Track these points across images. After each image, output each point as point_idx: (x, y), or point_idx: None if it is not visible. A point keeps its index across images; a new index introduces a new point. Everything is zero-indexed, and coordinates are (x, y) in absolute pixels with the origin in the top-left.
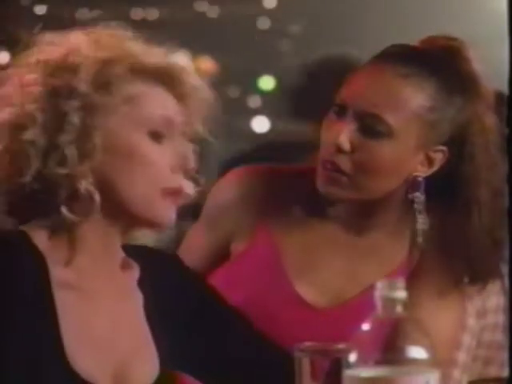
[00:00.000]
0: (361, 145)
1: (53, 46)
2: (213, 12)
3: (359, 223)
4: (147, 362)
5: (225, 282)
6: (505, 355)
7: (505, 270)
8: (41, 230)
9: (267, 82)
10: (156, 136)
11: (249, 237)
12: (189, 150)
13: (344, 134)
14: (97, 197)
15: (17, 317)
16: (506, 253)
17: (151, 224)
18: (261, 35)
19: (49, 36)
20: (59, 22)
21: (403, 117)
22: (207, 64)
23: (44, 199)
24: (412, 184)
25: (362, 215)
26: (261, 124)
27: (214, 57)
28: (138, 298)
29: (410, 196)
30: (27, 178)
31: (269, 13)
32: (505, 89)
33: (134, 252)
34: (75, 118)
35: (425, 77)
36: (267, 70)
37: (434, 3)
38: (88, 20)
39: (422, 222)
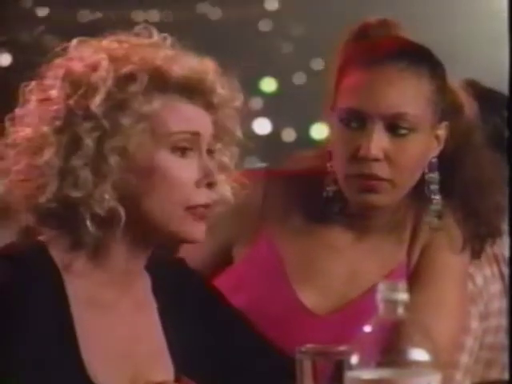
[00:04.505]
0: (391, 148)
1: (74, 60)
2: (215, 14)
3: (362, 225)
4: (163, 371)
5: (226, 287)
6: (506, 358)
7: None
8: (60, 242)
9: (269, 84)
10: (180, 151)
11: (250, 242)
12: (213, 163)
13: (374, 144)
14: (122, 213)
15: (34, 328)
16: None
17: (180, 239)
18: (262, 37)
19: (74, 46)
20: (61, 24)
21: (421, 106)
22: (210, 65)
23: (65, 216)
24: (428, 166)
25: (367, 217)
26: (262, 126)
27: (216, 58)
28: (153, 306)
29: (426, 177)
30: (44, 199)
31: (271, 15)
32: (505, 89)
33: None
34: (88, 141)
35: (416, 62)
36: (269, 72)
37: (435, 4)
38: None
39: (436, 202)
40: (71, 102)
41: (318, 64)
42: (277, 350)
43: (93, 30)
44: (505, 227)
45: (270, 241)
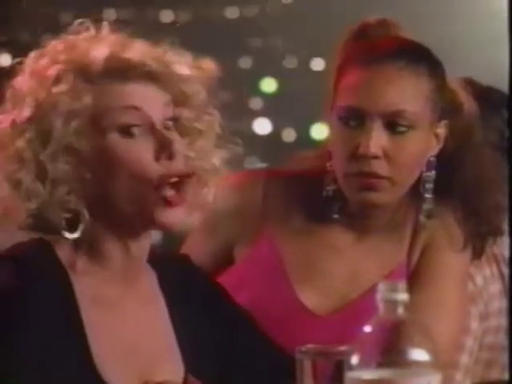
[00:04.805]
0: (390, 145)
1: (22, 71)
2: (214, 14)
3: (362, 225)
4: (171, 366)
5: (228, 287)
6: (506, 358)
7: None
8: (65, 242)
9: (269, 84)
10: (127, 130)
11: (251, 242)
12: (172, 136)
13: (373, 141)
14: (84, 212)
15: (43, 327)
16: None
17: (155, 225)
18: (262, 37)
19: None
20: (61, 24)
21: (420, 104)
22: (209, 66)
23: (46, 223)
24: (426, 164)
25: (367, 216)
26: (262, 126)
27: (216, 59)
28: (160, 302)
29: (423, 176)
30: (21, 215)
31: (271, 15)
32: (505, 89)
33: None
34: (29, 152)
35: (415, 61)
36: (269, 72)
37: (435, 3)
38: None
39: (429, 201)
40: (12, 115)
41: (318, 64)
42: (278, 349)
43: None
44: (505, 226)
45: (270, 241)
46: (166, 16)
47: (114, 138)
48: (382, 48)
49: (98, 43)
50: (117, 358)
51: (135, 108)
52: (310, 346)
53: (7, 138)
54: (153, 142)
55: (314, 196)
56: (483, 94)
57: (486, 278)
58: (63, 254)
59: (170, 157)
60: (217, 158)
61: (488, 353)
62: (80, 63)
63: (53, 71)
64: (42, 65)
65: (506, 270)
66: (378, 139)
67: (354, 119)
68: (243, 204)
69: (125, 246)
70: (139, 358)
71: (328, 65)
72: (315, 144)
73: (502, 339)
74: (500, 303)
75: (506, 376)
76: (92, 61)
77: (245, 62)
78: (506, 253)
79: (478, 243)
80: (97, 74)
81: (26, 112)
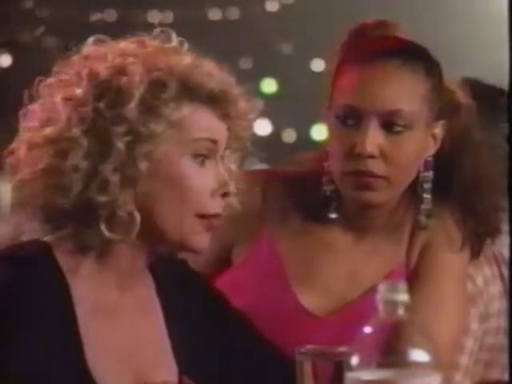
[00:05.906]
0: (387, 145)
1: (95, 60)
2: (215, 14)
3: (361, 226)
4: (167, 372)
5: (226, 288)
6: (506, 358)
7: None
8: (65, 244)
9: (269, 85)
10: (200, 159)
11: (250, 243)
12: (228, 173)
13: (369, 140)
14: (138, 219)
15: (38, 330)
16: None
17: (183, 248)
18: (262, 38)
19: (94, 46)
20: (62, 25)
21: (417, 104)
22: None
23: (77, 217)
24: (424, 164)
25: (366, 217)
26: (263, 127)
27: (216, 59)
28: (157, 307)
29: (420, 176)
30: (67, 200)
31: (271, 16)
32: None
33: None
34: (120, 145)
35: (412, 60)
36: (269, 73)
37: (436, 5)
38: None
39: (427, 201)
40: (101, 105)
41: (318, 65)
42: (277, 352)
43: (94, 31)
44: (504, 227)
45: (269, 242)
46: (166, 17)
47: (187, 159)
48: (380, 47)
49: (182, 57)
50: (111, 363)
51: (214, 141)
52: (309, 346)
53: (91, 124)
54: (214, 178)
55: (313, 197)
56: (487, 93)
57: (487, 279)
58: (63, 256)
59: (224, 196)
60: (235, 199)
61: (488, 353)
62: (179, 75)
63: (158, 75)
64: (141, 63)
65: (505, 271)
66: (374, 138)
67: (351, 118)
68: (242, 205)
69: (134, 250)
70: (134, 364)
71: (327, 65)
72: (315, 145)
73: (502, 340)
74: (500, 304)
75: (506, 376)
76: (193, 78)
77: (245, 63)
78: (506, 253)
79: (476, 243)
80: (200, 95)
81: (132, 104)
